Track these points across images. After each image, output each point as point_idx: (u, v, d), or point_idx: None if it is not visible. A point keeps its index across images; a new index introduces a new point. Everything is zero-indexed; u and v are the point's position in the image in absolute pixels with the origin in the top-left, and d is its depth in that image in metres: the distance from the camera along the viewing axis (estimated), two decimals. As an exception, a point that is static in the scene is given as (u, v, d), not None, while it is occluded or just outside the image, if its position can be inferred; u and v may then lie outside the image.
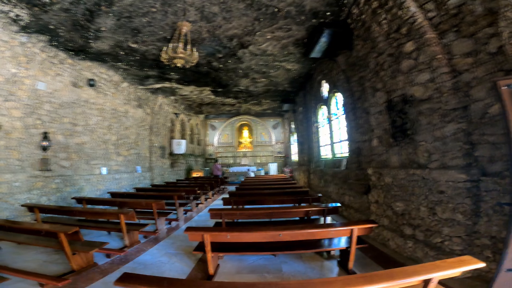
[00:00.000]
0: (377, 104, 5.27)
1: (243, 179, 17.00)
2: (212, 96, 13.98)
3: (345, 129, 7.49)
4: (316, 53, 7.04)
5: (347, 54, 6.37)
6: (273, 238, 3.40)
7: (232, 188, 14.65)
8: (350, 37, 5.89)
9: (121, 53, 7.84)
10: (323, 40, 6.39)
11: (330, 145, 9.10)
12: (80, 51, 7.51)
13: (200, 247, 3.64)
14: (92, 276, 3.46)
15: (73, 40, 6.79)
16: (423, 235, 4.02)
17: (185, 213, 7.81)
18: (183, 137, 16.23)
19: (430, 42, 3.83)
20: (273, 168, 17.99)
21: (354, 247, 3.61)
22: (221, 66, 9.35)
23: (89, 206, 6.30)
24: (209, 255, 3.48)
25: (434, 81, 3.89)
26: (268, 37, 7.16)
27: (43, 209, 5.03)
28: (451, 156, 3.76)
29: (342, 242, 3.89)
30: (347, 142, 7.46)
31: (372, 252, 4.56)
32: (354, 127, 6.68)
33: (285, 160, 19.92)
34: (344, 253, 3.86)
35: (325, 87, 9.38)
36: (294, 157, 17.37)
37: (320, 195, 6.36)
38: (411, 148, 4.52)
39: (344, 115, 7.47)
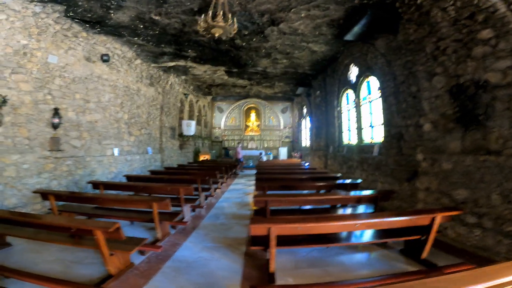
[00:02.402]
0: (433, 89, 4.83)
1: (251, 163, 16.45)
2: (225, 77, 13.12)
3: (381, 113, 6.90)
4: (351, 35, 6.64)
5: (389, 38, 5.86)
6: (348, 228, 2.85)
7: (241, 172, 14.14)
8: (396, 21, 5.45)
9: (141, 26, 7.10)
10: (362, 22, 5.99)
11: (356, 130, 8.42)
12: (97, 24, 6.76)
13: (258, 241, 3.02)
14: (134, 281, 2.79)
15: (92, 10, 5.99)
16: (492, 224, 3.72)
17: (206, 199, 7.17)
18: (191, 118, 15.37)
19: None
20: (283, 153, 17.34)
21: (433, 235, 3.24)
22: (243, 44, 8.62)
23: (105, 191, 5.61)
24: (273, 250, 2.86)
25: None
26: (303, 15, 6.48)
27: (59, 196, 4.25)
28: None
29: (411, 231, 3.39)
30: (382, 127, 6.86)
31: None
32: (396, 112, 6.13)
33: (292, 144, 19.27)
34: (411, 241, 3.54)
35: (353, 71, 8.72)
36: (305, 142, 16.74)
37: (359, 181, 5.74)
38: (479, 134, 4.14)
39: (380, 99, 6.91)
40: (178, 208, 5.48)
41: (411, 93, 5.47)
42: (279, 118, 19.56)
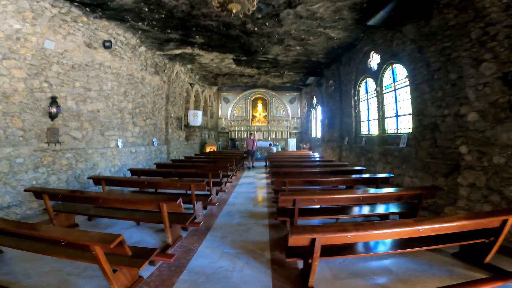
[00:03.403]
0: (480, 76, 4.32)
1: (259, 155, 15.82)
2: (233, 66, 12.39)
3: (409, 102, 6.32)
4: (375, 20, 6.38)
5: (419, 24, 5.54)
6: (410, 235, 2.26)
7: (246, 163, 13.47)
8: (429, 6, 5.19)
9: (145, 9, 6.54)
10: (389, 7, 5.76)
11: (378, 120, 7.73)
12: (98, 7, 6.23)
13: (295, 252, 2.43)
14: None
15: (93, -10, 5.33)
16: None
17: (217, 195, 6.58)
18: (197, 109, 14.69)
19: None
20: (292, 144, 16.65)
21: (502, 238, 2.79)
22: (255, 29, 7.94)
23: (108, 187, 5.03)
24: (316, 263, 2.27)
25: None
26: (323, -4, 5.87)
27: (54, 194, 3.66)
28: None
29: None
30: (410, 117, 6.23)
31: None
32: (429, 100, 5.51)
33: (301, 135, 18.58)
34: (468, 245, 3.05)
35: (374, 59, 8.07)
36: (314, 133, 16.05)
37: (390, 175, 5.10)
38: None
39: (409, 87, 6.31)
40: (187, 205, 4.93)
41: (450, 80, 4.95)
42: (287, 108, 18.80)
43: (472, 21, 4.40)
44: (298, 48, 9.49)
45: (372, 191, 3.70)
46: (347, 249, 2.65)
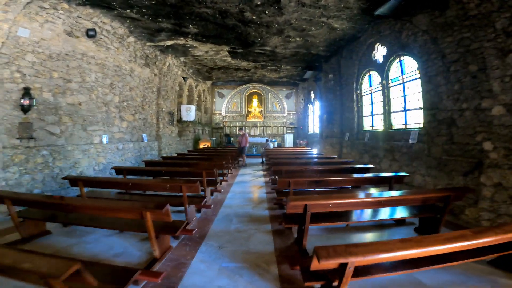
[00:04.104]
0: (507, 67, 3.94)
1: (255, 151, 15.25)
2: (228, 59, 11.76)
3: (420, 96, 5.84)
4: (384, 9, 6.06)
5: (433, 14, 5.25)
6: (463, 248, 1.81)
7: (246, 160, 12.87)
8: None
9: None
10: None
11: (383, 115, 7.24)
12: None
13: (319, 274, 1.88)
14: None
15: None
16: None
17: (211, 195, 6.01)
18: (190, 103, 14.00)
19: None
20: (289, 140, 16.14)
21: None
22: (254, 18, 7.37)
23: (87, 189, 4.40)
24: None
25: None
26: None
27: (19, 200, 3.01)
28: None
29: None
30: (422, 111, 5.77)
31: None
32: (444, 93, 5.06)
33: (297, 131, 18.07)
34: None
35: (379, 51, 7.62)
36: (311, 128, 15.56)
37: (404, 174, 4.60)
38: None
39: (419, 80, 5.84)
40: (178, 208, 4.36)
41: (469, 72, 4.54)
42: (283, 104, 18.23)
43: (496, 11, 4.05)
44: (298, 39, 8.93)
45: (394, 193, 3.18)
46: (383, 268, 2.12)
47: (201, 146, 14.61)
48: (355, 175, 4.44)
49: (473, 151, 4.43)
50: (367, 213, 3.54)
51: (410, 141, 5.86)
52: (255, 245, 3.55)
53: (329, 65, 10.87)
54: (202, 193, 5.02)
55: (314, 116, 14.73)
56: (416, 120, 6.09)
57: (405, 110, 6.41)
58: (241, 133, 11.63)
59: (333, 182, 4.27)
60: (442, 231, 3.54)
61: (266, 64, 12.71)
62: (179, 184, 3.65)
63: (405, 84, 6.42)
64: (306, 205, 2.77)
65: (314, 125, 14.97)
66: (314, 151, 11.38)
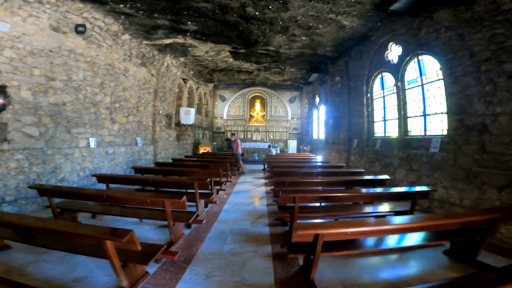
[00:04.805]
0: None
1: (256, 157, 14.59)
2: (230, 60, 11.19)
3: (443, 98, 5.19)
4: (400, 4, 5.61)
5: (457, 9, 4.74)
6: None
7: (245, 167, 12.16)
8: None
9: None
10: None
11: (398, 120, 6.56)
12: None
13: None
14: None
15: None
16: None
17: (205, 206, 5.35)
18: (190, 106, 13.41)
19: None
20: (292, 146, 15.43)
21: None
22: (256, 13, 6.79)
23: (58, 200, 3.77)
24: None
25: None
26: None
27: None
28: None
29: None
30: (445, 116, 5.10)
31: None
32: (475, 95, 4.40)
33: (300, 137, 17.38)
34: None
35: (394, 51, 7.01)
36: (316, 134, 14.88)
37: (428, 188, 3.89)
38: None
39: (443, 81, 5.19)
40: (163, 222, 3.71)
41: (504, 72, 3.97)
42: (287, 108, 17.59)
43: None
44: (303, 38, 8.32)
45: (430, 217, 2.49)
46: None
47: (201, 151, 14.00)
48: (371, 190, 3.74)
49: (510, 162, 3.75)
50: (391, 239, 2.86)
51: (431, 150, 5.16)
52: (252, 273, 2.88)
53: (336, 67, 10.24)
54: (198, 201, 4.37)
55: (319, 121, 14.06)
56: (438, 126, 5.41)
57: (424, 115, 5.72)
58: (232, 139, 10.83)
59: (345, 198, 3.59)
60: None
61: (270, 66, 12.13)
62: (162, 199, 3.00)
63: (424, 86, 5.75)
64: (317, 235, 2.10)
65: (318, 130, 14.28)
66: (319, 158, 10.69)
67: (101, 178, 4.62)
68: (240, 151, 10.63)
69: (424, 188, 3.82)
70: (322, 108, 13.20)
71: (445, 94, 5.04)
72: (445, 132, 5.10)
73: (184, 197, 3.04)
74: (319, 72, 11.88)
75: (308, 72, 12.77)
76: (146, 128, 9.06)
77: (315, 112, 14.88)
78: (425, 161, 5.32)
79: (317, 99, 14.08)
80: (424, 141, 5.57)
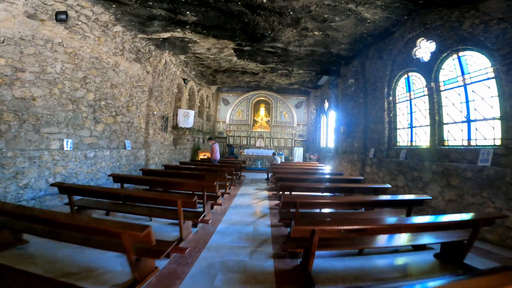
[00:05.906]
0: None
1: (259, 165, 13.55)
2: (234, 59, 10.30)
3: (496, 101, 4.20)
4: None
5: None
6: None
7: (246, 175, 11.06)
8: None
9: None
10: None
11: (430, 127, 5.50)
12: None
13: None
14: None
15: None
16: None
17: (195, 226, 4.32)
18: (191, 109, 12.48)
19: None
20: (298, 154, 14.33)
21: None
22: (264, 1, 5.88)
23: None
24: None
25: None
26: None
27: None
28: None
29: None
30: (498, 122, 4.05)
31: None
32: None
33: (307, 144, 16.30)
34: None
35: (423, 47, 6.03)
36: (323, 142, 13.81)
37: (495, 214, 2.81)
38: None
39: (495, 80, 4.22)
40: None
41: None
42: (293, 113, 16.57)
43: None
44: (316, 33, 7.37)
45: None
46: None
47: (201, 156, 13.03)
48: (418, 219, 2.64)
49: None
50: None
51: (480, 163, 4.09)
52: None
53: (349, 68, 9.26)
54: (182, 223, 3.34)
55: (328, 128, 13.01)
56: (487, 134, 4.34)
57: (468, 121, 4.65)
58: (210, 143, 9.86)
59: (385, 229, 2.53)
60: None
61: (276, 67, 11.19)
62: (116, 230, 1.99)
63: (467, 86, 4.70)
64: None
65: (327, 138, 13.21)
66: (328, 168, 9.62)
67: (64, 189, 3.60)
68: (217, 156, 9.68)
69: (491, 214, 2.74)
70: (332, 114, 12.17)
71: (499, 96, 4.01)
72: (498, 142, 4.04)
73: (149, 229, 2.02)
74: (329, 75, 10.89)
75: (318, 75, 11.82)
76: (137, 130, 8.10)
77: (323, 118, 13.85)
78: (470, 176, 4.24)
79: (326, 104, 13.06)
80: (468, 152, 4.50)
